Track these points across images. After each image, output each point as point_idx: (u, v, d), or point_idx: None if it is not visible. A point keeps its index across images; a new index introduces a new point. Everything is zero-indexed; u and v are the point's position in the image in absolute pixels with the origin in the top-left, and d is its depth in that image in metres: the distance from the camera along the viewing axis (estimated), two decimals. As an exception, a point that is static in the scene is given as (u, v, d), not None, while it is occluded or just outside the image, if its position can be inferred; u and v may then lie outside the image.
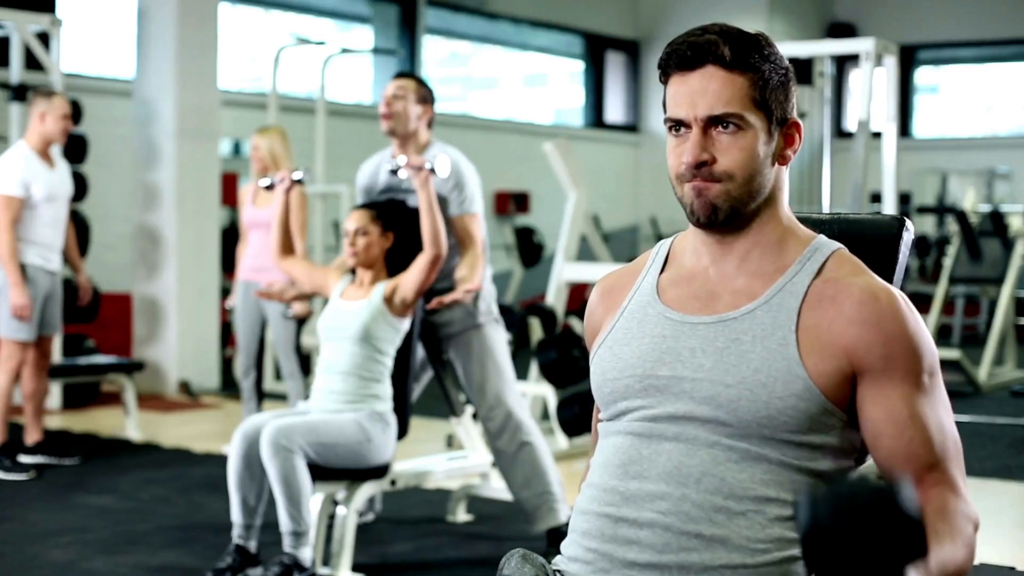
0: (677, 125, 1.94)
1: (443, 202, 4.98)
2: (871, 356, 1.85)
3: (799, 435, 1.86)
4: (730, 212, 1.93)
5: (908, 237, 2.06)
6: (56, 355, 7.91)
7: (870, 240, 2.06)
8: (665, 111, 1.97)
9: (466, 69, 16.70)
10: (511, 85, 17.03)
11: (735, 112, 1.90)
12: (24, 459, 6.64)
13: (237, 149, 12.04)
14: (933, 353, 1.88)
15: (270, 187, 5.08)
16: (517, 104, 16.89)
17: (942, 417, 1.87)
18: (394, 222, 4.79)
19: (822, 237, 1.99)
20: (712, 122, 1.91)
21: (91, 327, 8.81)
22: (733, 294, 1.95)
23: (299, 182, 5.01)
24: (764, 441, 1.86)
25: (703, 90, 1.91)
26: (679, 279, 2.02)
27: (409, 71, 5.26)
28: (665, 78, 1.96)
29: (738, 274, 1.96)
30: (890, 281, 2.03)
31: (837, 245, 1.98)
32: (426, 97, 5.06)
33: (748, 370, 1.87)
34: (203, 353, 9.32)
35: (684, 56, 1.93)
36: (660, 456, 1.90)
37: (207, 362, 9.37)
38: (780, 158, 1.96)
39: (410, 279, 4.68)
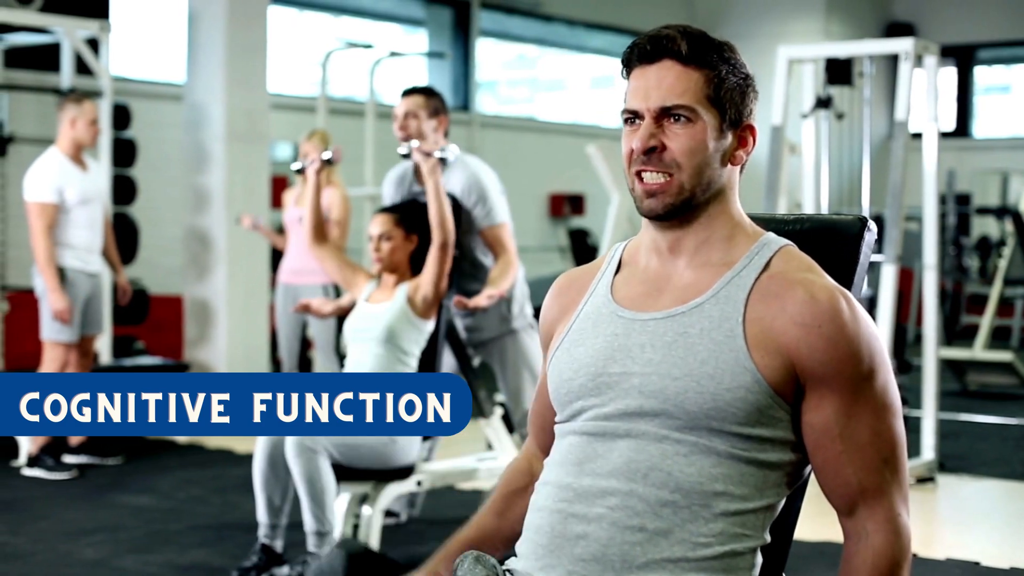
0: (632, 117, 1.98)
1: (468, 216, 4.99)
2: (812, 361, 1.86)
3: (747, 427, 1.87)
4: (680, 205, 1.95)
5: (870, 238, 2.06)
6: (105, 356, 8.01)
7: (831, 241, 2.06)
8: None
9: (533, 71, 16.71)
10: (578, 87, 17.01)
11: (686, 104, 1.94)
12: (68, 459, 6.74)
13: (296, 154, 12.08)
14: (877, 352, 1.88)
15: (301, 171, 5.12)
16: (583, 106, 16.87)
17: (879, 426, 1.88)
18: (417, 224, 4.81)
19: (770, 234, 2.01)
20: (664, 113, 1.95)
21: (143, 329, 8.91)
22: (682, 289, 1.97)
23: (328, 162, 5.02)
24: (712, 433, 1.88)
25: (658, 82, 1.95)
26: (632, 278, 2.04)
27: (418, 85, 5.24)
28: (627, 73, 2.00)
29: (687, 269, 1.98)
30: (851, 280, 2.04)
31: (785, 241, 1.99)
32: (438, 109, 5.05)
33: (695, 362, 1.88)
34: (253, 355, 9.39)
35: (644, 50, 1.97)
36: (612, 453, 1.92)
37: (257, 364, 9.43)
38: (732, 158, 1.99)
39: (426, 275, 4.70)
